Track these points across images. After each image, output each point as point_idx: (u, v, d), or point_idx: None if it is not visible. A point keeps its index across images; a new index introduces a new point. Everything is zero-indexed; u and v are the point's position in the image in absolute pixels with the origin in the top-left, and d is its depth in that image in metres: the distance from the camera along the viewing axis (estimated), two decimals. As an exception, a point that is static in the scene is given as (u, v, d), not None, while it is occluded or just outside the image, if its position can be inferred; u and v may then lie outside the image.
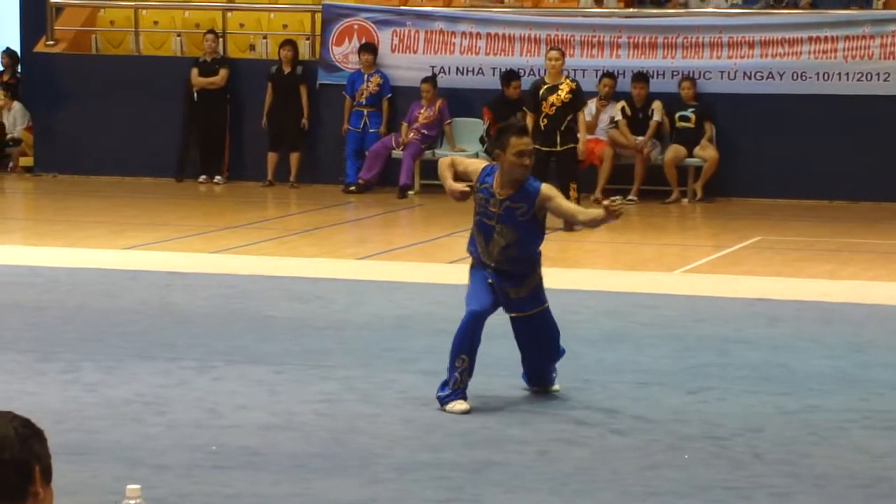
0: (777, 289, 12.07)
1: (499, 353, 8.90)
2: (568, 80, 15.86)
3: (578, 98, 15.79)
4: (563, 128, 15.55)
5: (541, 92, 15.68)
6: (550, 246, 14.93)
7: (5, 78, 21.32)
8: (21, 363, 9.06)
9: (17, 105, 20.99)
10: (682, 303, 11.52)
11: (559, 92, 15.59)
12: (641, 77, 17.95)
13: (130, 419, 7.87)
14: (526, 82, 17.97)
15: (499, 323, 10.44)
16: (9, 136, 20.91)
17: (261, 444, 7.50)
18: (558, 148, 15.53)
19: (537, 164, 15.64)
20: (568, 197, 15.49)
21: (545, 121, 15.54)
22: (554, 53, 15.95)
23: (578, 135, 15.81)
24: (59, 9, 20.42)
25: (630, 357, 9.49)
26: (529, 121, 15.77)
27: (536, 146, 15.56)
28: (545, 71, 16.21)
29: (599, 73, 18.05)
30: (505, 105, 17.95)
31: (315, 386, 8.63)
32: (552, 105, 15.54)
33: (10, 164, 20.77)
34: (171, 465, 7.15)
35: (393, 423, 7.92)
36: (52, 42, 20.22)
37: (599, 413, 8.13)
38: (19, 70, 21.43)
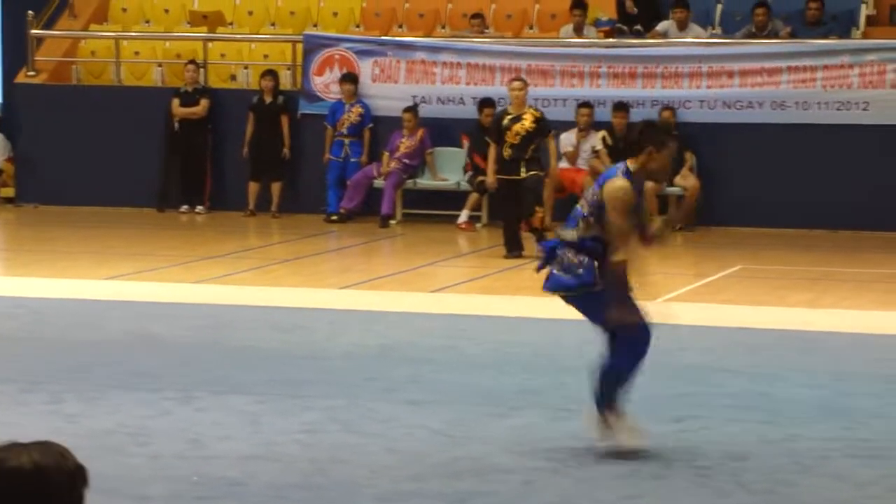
0: (758, 317, 12.09)
1: (480, 382, 8.90)
2: (532, 109, 15.81)
3: (544, 126, 15.76)
4: (527, 157, 15.50)
5: (504, 122, 15.65)
6: (532, 275, 14.95)
7: None
8: (3, 394, 9.04)
9: (-2, 136, 20.97)
10: (663, 332, 11.48)
11: (523, 121, 15.57)
12: (622, 107, 18.01)
13: (112, 450, 7.85)
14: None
15: (484, 352, 10.44)
16: (-11, 167, 20.90)
17: (243, 474, 7.49)
18: (522, 175, 15.44)
19: (502, 194, 15.77)
20: (533, 218, 15.42)
21: (509, 150, 15.49)
22: (516, 83, 15.93)
23: (552, 161, 15.83)
24: (40, 39, 20.43)
25: (612, 386, 9.48)
26: (492, 151, 15.78)
27: (500, 176, 15.60)
28: (509, 101, 16.20)
29: (578, 103, 18.12)
30: (481, 132, 18.05)
31: (297, 416, 8.62)
32: (516, 134, 15.50)
33: (-9, 195, 20.75)
34: (153, 496, 7.13)
35: (376, 452, 7.91)
36: (33, 73, 20.22)
37: (583, 442, 8.13)
38: None
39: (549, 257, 7.97)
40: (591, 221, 7.84)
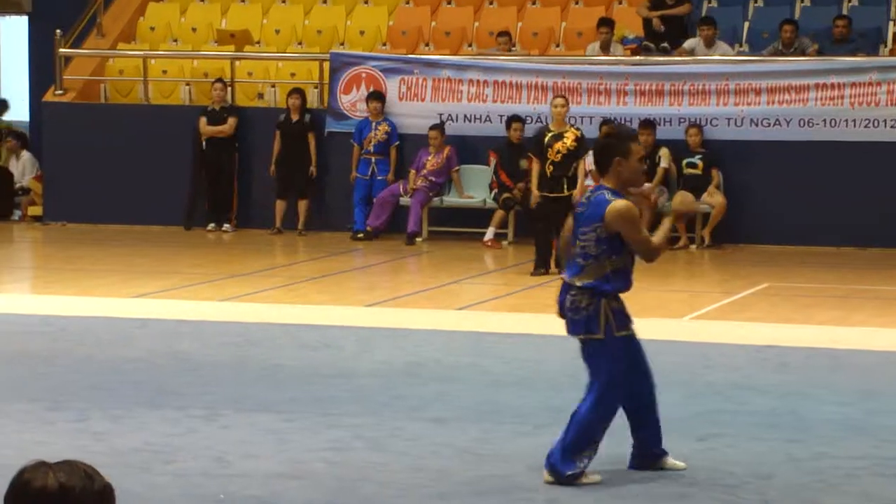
0: (786, 335, 12.05)
1: (506, 400, 8.88)
2: (573, 128, 15.93)
3: (585, 145, 15.83)
4: (570, 174, 15.61)
5: (546, 139, 15.73)
6: (556, 292, 14.96)
7: None
8: (31, 412, 9.06)
9: (26, 154, 21.09)
10: (690, 349, 11.51)
11: (565, 139, 15.66)
12: (648, 124, 18.00)
13: (139, 468, 7.86)
14: (531, 129, 18.08)
15: (510, 370, 10.43)
16: (18, 186, 20.99)
17: (269, 493, 7.48)
18: (566, 193, 15.57)
19: (545, 211, 15.82)
20: None
21: (551, 168, 15.59)
22: (559, 101, 16.01)
23: (579, 179, 15.87)
24: (68, 58, 20.52)
25: (639, 404, 9.46)
26: (535, 167, 15.84)
27: (543, 193, 15.68)
28: (550, 118, 16.26)
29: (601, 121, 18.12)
30: (508, 147, 18.13)
31: (324, 434, 8.61)
32: (558, 152, 15.60)
33: (20, 214, 20.84)
34: (179, 514, 7.13)
35: (402, 471, 7.91)
36: (61, 91, 20.31)
37: (608, 460, 8.10)
38: (27, 119, 21.54)
39: (561, 305, 7.83)
40: (608, 258, 7.59)
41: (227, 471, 7.87)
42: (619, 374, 7.64)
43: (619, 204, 7.58)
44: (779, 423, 8.98)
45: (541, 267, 15.66)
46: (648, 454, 7.88)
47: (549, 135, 15.78)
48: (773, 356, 11.14)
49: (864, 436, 8.69)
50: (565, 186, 15.60)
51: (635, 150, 7.80)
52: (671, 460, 7.89)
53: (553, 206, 15.41)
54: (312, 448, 8.29)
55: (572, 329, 7.78)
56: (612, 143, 7.85)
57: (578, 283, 7.67)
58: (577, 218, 7.82)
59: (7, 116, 25.26)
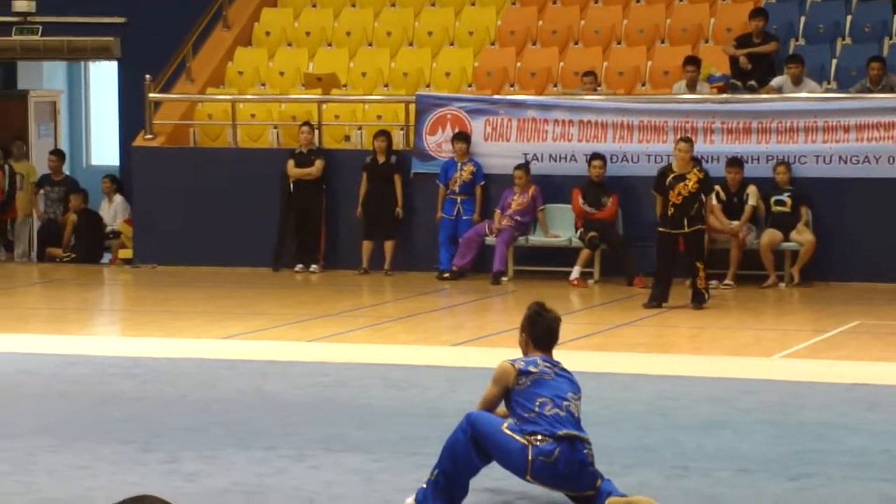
0: (878, 373, 11.91)
1: (594, 440, 8.82)
2: (696, 170, 16.04)
3: (707, 185, 16.15)
4: (692, 214, 15.76)
5: (668, 180, 15.86)
6: (646, 332, 14.95)
7: (57, 178, 21.71)
8: (123, 454, 9.14)
9: (118, 198, 21.36)
10: (781, 388, 11.40)
11: (687, 181, 15.80)
12: (736, 162, 17.92)
13: (229, 508, 7.90)
14: (614, 168, 18.18)
15: (596, 409, 10.37)
16: (108, 229, 21.25)
17: (359, 532, 7.48)
18: (686, 230, 15.71)
19: (665, 245, 15.94)
20: (696, 276, 15.74)
21: (672, 209, 15.79)
22: (683, 145, 16.12)
23: (707, 217, 16.22)
24: (158, 103, 20.77)
25: (730, 443, 9.40)
26: (659, 204, 16.04)
27: (665, 229, 15.85)
28: (673, 158, 16.34)
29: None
30: (589, 186, 18.20)
31: (412, 474, 8.61)
32: (679, 194, 15.79)
33: (111, 257, 21.09)
34: (269, 553, 7.15)
35: (490, 511, 7.88)
36: (150, 136, 20.56)
37: (699, 500, 8.04)
38: (118, 163, 21.80)
39: (581, 462, 7.64)
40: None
41: (316, 511, 7.88)
42: None
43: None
44: (872, 463, 8.87)
45: (654, 300, 15.84)
46: None
47: (671, 176, 15.92)
48: (865, 395, 11.01)
49: (960, 475, 8.56)
50: (686, 224, 15.80)
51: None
52: None
53: (671, 243, 15.82)
54: (401, 488, 8.29)
55: (588, 483, 7.61)
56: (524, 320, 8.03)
57: (588, 438, 7.66)
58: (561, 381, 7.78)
59: (97, 160, 25.64)
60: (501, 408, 7.87)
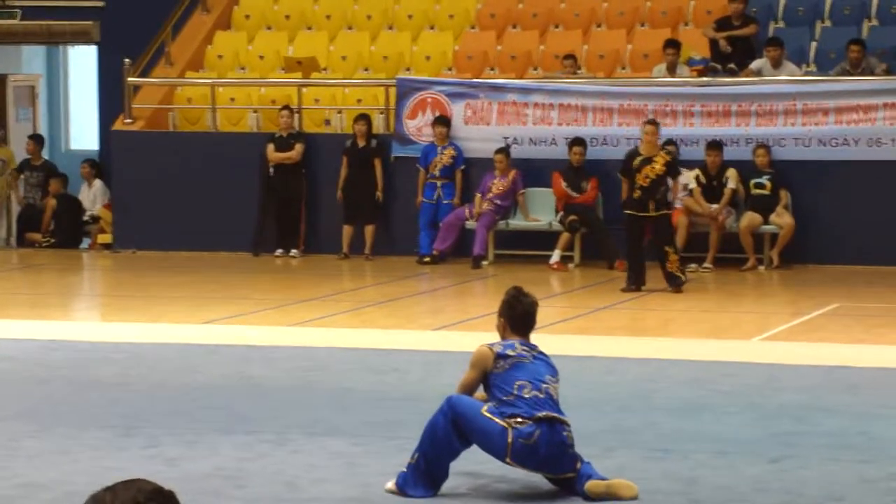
0: (856, 356, 11.96)
1: (575, 423, 8.84)
2: (663, 153, 16.02)
3: (674, 169, 16.09)
4: (657, 197, 15.73)
5: (635, 163, 15.83)
6: (626, 315, 14.99)
7: (36, 163, 21.64)
8: (103, 439, 9.14)
9: (98, 183, 21.31)
10: (760, 371, 11.45)
11: (654, 164, 15.76)
12: (715, 145, 17.95)
13: (211, 493, 7.90)
14: (594, 152, 18.17)
15: (578, 392, 10.42)
16: (88, 214, 21.21)
17: (340, 516, 7.50)
18: (652, 213, 15.71)
19: (633, 228, 15.94)
20: (665, 261, 15.75)
21: (639, 192, 15.73)
22: (649, 128, 16.10)
23: (674, 200, 16.13)
24: (137, 87, 20.72)
25: (709, 426, 9.44)
26: (625, 188, 16.02)
27: (631, 212, 15.83)
28: (640, 141, 16.32)
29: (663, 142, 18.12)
30: (570, 170, 18.22)
31: (393, 458, 8.62)
32: (646, 177, 15.75)
33: (90, 242, 21.05)
34: (251, 538, 7.16)
35: (471, 494, 7.90)
36: (130, 120, 20.51)
37: (679, 483, 8.08)
38: (97, 147, 21.76)
39: (560, 444, 7.69)
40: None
41: (297, 495, 7.90)
42: None
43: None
44: (851, 444, 8.92)
45: (631, 283, 15.84)
46: None
47: (639, 159, 15.87)
48: (844, 377, 11.05)
49: (938, 457, 8.60)
50: (651, 207, 15.76)
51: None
52: None
53: (638, 225, 15.77)
54: (382, 472, 8.31)
55: (569, 465, 7.64)
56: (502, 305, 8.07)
57: (568, 420, 7.68)
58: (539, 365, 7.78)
59: (77, 145, 25.56)
60: (480, 392, 7.90)
